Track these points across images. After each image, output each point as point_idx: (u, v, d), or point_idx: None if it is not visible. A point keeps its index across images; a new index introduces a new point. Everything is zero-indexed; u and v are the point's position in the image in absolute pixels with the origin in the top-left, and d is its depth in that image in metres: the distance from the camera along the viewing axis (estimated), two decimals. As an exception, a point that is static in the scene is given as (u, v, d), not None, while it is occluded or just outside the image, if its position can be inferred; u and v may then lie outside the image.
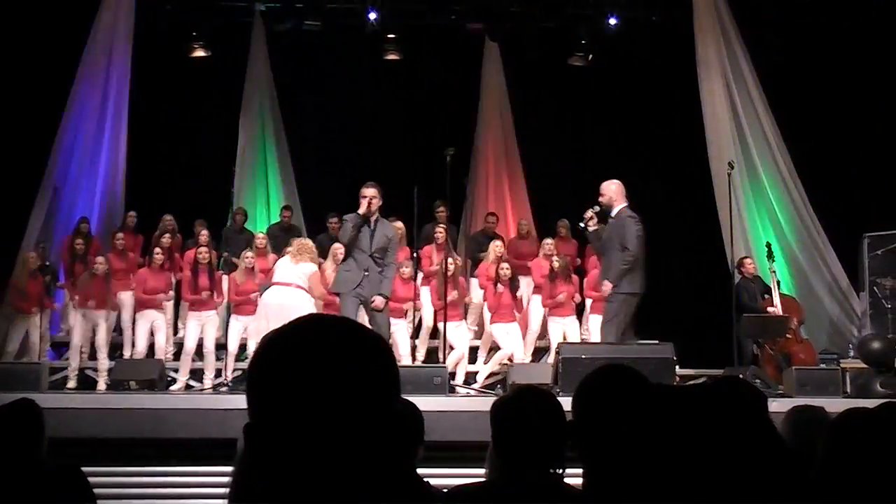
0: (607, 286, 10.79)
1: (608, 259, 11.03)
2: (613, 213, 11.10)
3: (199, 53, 16.79)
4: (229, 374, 12.72)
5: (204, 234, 13.87)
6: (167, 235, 13.82)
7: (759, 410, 1.49)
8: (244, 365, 12.88)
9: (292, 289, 11.93)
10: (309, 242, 12.66)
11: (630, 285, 10.89)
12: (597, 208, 11.24)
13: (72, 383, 12.71)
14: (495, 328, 13.04)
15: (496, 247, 13.65)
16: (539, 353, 13.90)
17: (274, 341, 1.53)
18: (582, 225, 11.36)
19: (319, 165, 16.77)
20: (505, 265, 13.07)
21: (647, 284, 11.06)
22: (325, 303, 12.46)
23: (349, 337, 1.53)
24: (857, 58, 15.12)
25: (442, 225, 13.96)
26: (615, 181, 11.25)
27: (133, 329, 13.23)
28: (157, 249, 13.33)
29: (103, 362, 12.75)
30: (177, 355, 13.29)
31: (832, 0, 15.56)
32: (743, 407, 1.48)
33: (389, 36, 17.01)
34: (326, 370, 1.47)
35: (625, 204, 11.12)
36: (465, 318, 13.70)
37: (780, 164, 15.38)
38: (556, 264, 13.25)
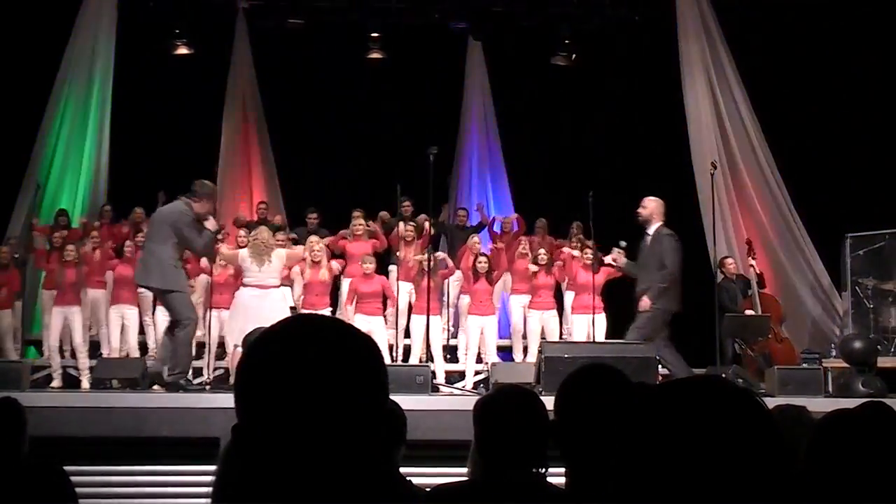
0: (646, 303, 10.93)
1: (647, 275, 11.12)
2: (651, 230, 11.22)
3: (183, 51, 16.75)
4: (211, 373, 12.70)
5: None
6: (140, 234, 13.81)
7: (751, 407, 1.48)
8: (224, 363, 12.88)
9: (264, 290, 11.92)
10: (264, 237, 12.51)
11: (666, 302, 11.07)
12: (623, 244, 11.50)
13: (56, 382, 12.64)
14: (471, 320, 13.03)
15: (474, 242, 13.66)
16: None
17: (262, 341, 1.53)
18: (612, 262, 11.60)
19: (302, 163, 16.76)
20: (482, 258, 13.07)
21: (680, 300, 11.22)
22: (308, 296, 12.53)
23: (338, 337, 1.53)
24: (840, 58, 15.16)
25: (412, 223, 13.93)
26: (656, 198, 11.36)
27: (108, 326, 13.22)
28: (128, 242, 13.28)
29: (83, 361, 12.69)
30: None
31: (814, 0, 15.60)
32: (736, 404, 1.48)
33: (373, 35, 17.01)
34: (315, 371, 1.46)
35: (662, 222, 11.22)
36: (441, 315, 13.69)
37: (762, 163, 15.43)
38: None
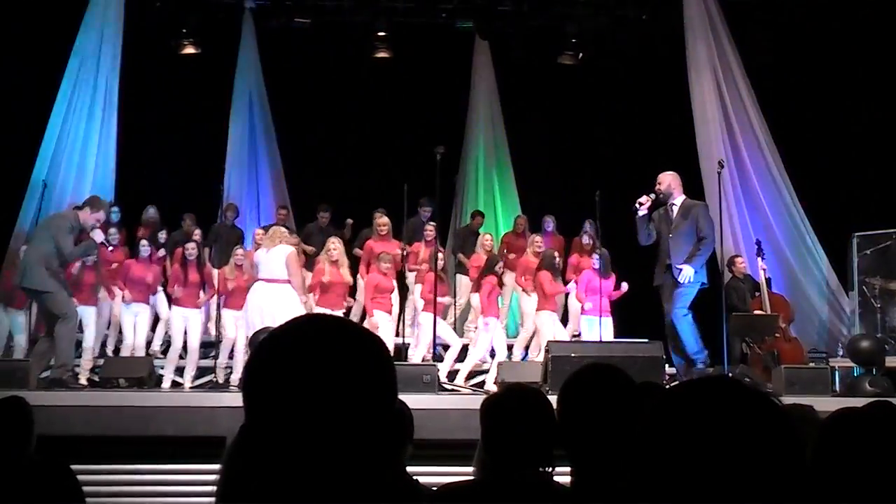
0: (689, 271, 10.96)
1: (680, 246, 11.13)
2: (676, 201, 11.24)
3: (189, 50, 16.76)
4: (219, 373, 12.72)
5: (197, 232, 13.88)
6: (163, 231, 13.82)
7: (767, 408, 1.48)
8: (231, 362, 12.89)
9: (276, 285, 11.94)
10: (280, 228, 12.70)
11: (704, 275, 11.24)
12: (653, 196, 11.24)
13: (83, 379, 12.55)
14: (481, 320, 13.00)
15: (485, 240, 13.66)
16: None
17: (270, 342, 1.53)
18: (636, 207, 11.26)
19: (309, 162, 16.77)
20: (500, 263, 13.06)
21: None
22: (317, 292, 12.53)
23: (346, 337, 1.52)
24: (847, 56, 15.14)
25: (432, 222, 13.94)
26: (671, 172, 11.34)
27: (120, 324, 13.21)
28: (143, 242, 13.28)
29: (88, 362, 12.67)
30: (165, 353, 13.24)
31: (822, -1, 15.59)
32: (752, 405, 1.47)
33: (379, 34, 17.00)
34: (322, 371, 1.46)
35: (684, 195, 11.19)
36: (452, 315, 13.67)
37: (769, 162, 15.39)
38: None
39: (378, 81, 17.14)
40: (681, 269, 11.05)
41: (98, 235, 11.27)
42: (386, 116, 16.83)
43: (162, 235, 14.00)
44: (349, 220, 15.07)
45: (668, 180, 11.30)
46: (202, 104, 16.33)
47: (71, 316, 11.12)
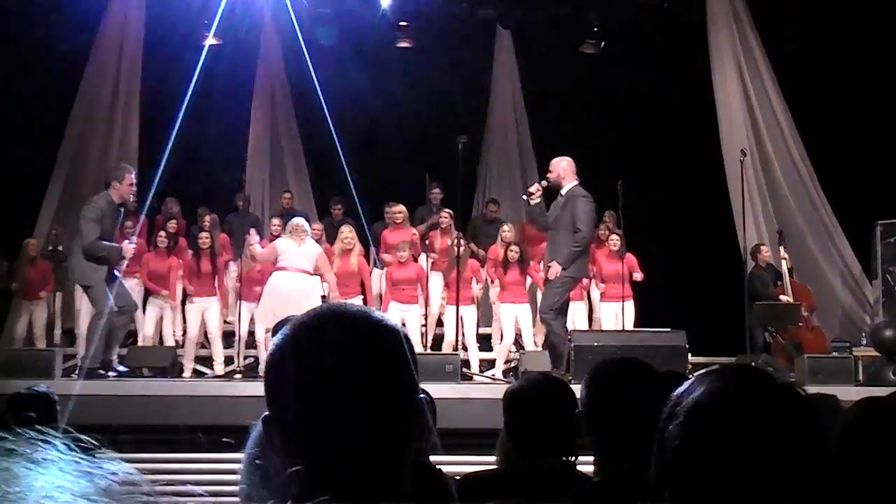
0: (556, 269, 10.65)
1: (557, 238, 10.86)
2: (563, 190, 10.93)
3: (211, 41, 16.77)
4: (241, 361, 12.73)
5: (207, 219, 13.82)
6: (173, 221, 13.72)
7: (794, 400, 1.47)
8: (254, 351, 12.88)
9: (299, 274, 11.92)
10: (301, 222, 12.55)
11: (577, 269, 10.85)
12: (544, 183, 11.03)
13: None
14: (503, 308, 13.00)
15: (504, 231, 13.62)
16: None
17: (292, 331, 1.53)
18: (524, 198, 11.10)
19: (331, 152, 16.76)
20: (514, 247, 13.03)
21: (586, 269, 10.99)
22: (339, 285, 12.50)
23: (367, 327, 1.52)
24: (871, 45, 15.05)
25: (447, 210, 13.86)
26: (566, 158, 11.08)
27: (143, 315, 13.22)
28: (161, 233, 13.27)
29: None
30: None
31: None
32: (778, 396, 1.47)
33: (401, 23, 16.98)
34: (345, 361, 1.46)
35: (575, 182, 10.95)
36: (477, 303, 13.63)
37: (792, 151, 15.34)
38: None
39: (400, 71, 17.12)
40: (549, 266, 10.80)
41: (128, 251, 11.18)
42: (408, 106, 16.80)
43: (171, 225, 13.76)
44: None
45: (558, 168, 10.99)
46: (224, 94, 16.33)
47: (105, 311, 11.16)
